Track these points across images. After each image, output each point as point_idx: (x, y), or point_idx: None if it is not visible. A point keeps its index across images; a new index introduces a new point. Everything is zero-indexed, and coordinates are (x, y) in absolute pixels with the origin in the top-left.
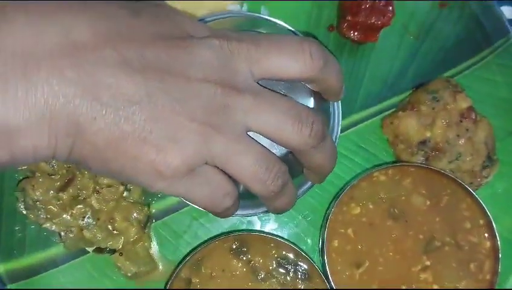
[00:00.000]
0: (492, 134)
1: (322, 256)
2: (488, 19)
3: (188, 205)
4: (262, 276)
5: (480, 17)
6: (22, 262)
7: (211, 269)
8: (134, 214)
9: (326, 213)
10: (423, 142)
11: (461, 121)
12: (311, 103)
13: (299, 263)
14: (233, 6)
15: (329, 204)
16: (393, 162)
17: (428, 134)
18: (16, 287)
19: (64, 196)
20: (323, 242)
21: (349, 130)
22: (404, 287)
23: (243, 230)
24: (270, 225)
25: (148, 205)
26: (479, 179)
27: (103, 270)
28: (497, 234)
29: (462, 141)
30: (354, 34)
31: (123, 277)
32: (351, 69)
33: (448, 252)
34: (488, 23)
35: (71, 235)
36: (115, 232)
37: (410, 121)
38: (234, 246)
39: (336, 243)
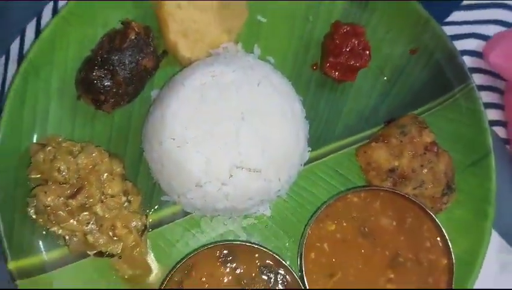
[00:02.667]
0: (452, 166)
1: (300, 266)
2: (451, 66)
3: (182, 217)
4: (246, 282)
5: (444, 65)
6: (30, 261)
7: (201, 274)
8: (133, 223)
9: (304, 229)
10: (392, 170)
11: (425, 153)
12: None
13: (280, 271)
14: (230, 45)
15: (308, 221)
16: (365, 186)
17: (396, 163)
18: (23, 283)
19: (73, 202)
20: (301, 254)
21: (327, 157)
22: None
23: (230, 240)
24: (254, 239)
25: (146, 215)
26: (439, 205)
27: (102, 273)
28: (452, 253)
29: (425, 171)
30: (334, 74)
31: (120, 279)
32: (331, 104)
33: (410, 267)
34: (451, 70)
35: (75, 239)
36: (115, 238)
37: (381, 152)
38: (222, 255)
39: (312, 255)
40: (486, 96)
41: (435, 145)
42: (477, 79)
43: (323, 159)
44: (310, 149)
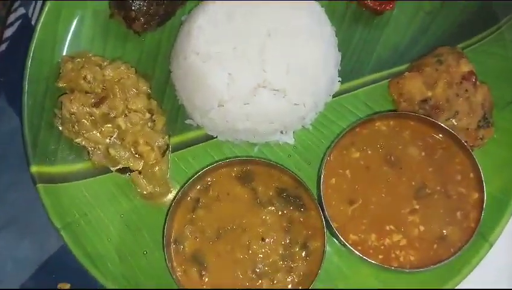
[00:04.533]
0: (491, 99)
1: (318, 191)
2: None
3: (204, 141)
4: (263, 202)
5: None
6: (53, 169)
7: (218, 191)
8: (156, 141)
9: (325, 153)
10: (424, 101)
11: (461, 83)
12: None
13: (297, 194)
14: None
15: (329, 145)
16: (394, 110)
17: (429, 93)
18: (43, 188)
19: (97, 111)
20: (319, 178)
21: (358, 90)
22: (392, 227)
23: (251, 156)
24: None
25: (169, 136)
26: (474, 139)
27: (122, 188)
28: (484, 188)
29: (460, 100)
30: (373, 2)
31: (139, 197)
32: (366, 37)
33: (437, 200)
34: (495, 1)
35: (98, 153)
36: (137, 155)
37: (415, 81)
38: (240, 174)
39: (333, 181)
40: None
41: (472, 75)
42: None
43: (354, 92)
44: (340, 80)
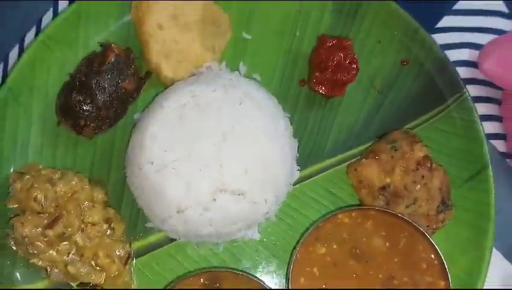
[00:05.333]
0: (447, 181)
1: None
2: (443, 76)
3: (167, 243)
4: None
5: (435, 75)
6: None
7: None
8: (116, 251)
9: (291, 253)
10: (383, 188)
11: (417, 169)
12: None
13: None
14: (213, 64)
15: (296, 244)
16: (355, 205)
17: (388, 180)
18: None
19: (51, 232)
20: (288, 279)
21: (318, 176)
22: None
23: (216, 267)
24: (243, 264)
25: (130, 243)
26: (435, 223)
27: None
28: (449, 275)
29: (418, 187)
30: (322, 89)
31: None
32: (320, 121)
33: None
34: (442, 81)
35: (56, 271)
36: (97, 268)
37: (372, 168)
38: (207, 282)
39: (302, 280)
40: (482, 108)
41: (427, 160)
42: (472, 90)
43: (314, 178)
44: (299, 168)
